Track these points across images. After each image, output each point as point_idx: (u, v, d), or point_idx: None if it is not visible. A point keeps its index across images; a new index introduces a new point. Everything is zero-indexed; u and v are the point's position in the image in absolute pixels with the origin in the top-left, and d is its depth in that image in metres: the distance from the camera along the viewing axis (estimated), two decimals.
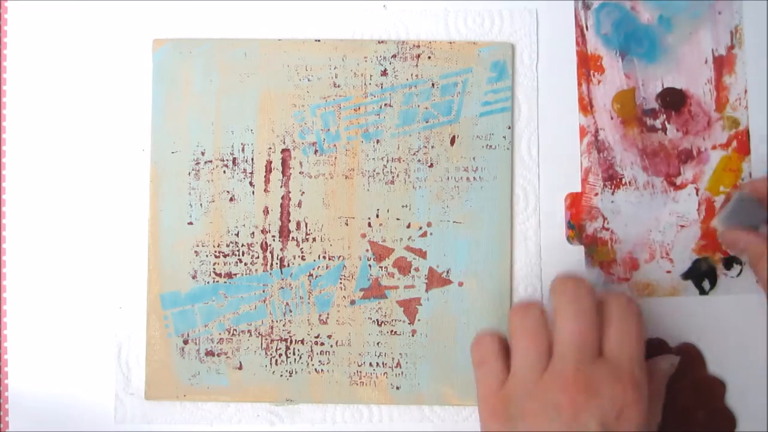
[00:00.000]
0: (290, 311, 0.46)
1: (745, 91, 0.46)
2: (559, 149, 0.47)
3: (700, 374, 0.46)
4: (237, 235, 0.46)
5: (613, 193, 0.47)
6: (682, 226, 0.46)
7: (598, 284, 0.46)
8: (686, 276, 0.46)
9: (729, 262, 0.46)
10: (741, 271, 0.46)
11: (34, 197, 0.47)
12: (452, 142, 0.46)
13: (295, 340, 0.46)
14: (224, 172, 0.46)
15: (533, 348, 0.40)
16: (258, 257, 0.46)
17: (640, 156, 0.46)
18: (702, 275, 0.46)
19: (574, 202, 0.47)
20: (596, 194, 0.47)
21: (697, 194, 0.46)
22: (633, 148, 0.46)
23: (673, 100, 0.46)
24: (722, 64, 0.46)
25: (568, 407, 0.38)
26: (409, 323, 0.46)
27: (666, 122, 0.46)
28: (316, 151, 0.46)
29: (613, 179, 0.47)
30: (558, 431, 0.38)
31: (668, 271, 0.46)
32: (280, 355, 0.46)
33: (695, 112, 0.46)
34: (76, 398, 0.47)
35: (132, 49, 0.47)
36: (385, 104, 0.46)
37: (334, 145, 0.46)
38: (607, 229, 0.47)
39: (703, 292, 0.46)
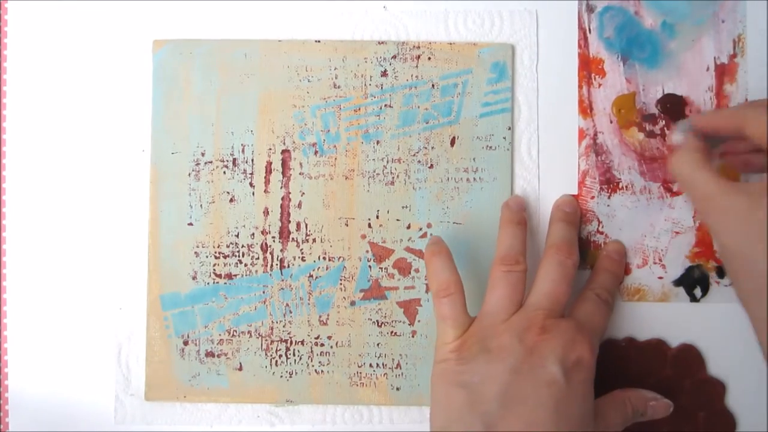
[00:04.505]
0: (290, 312, 0.46)
1: (746, 101, 0.46)
2: (557, 151, 0.47)
3: (699, 375, 0.46)
4: (237, 236, 0.46)
5: (609, 197, 0.47)
6: (677, 233, 0.46)
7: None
8: (678, 283, 0.46)
9: (722, 270, 0.46)
10: None
11: (34, 197, 0.47)
12: (452, 143, 0.46)
13: (295, 341, 0.46)
14: (224, 172, 0.46)
15: (508, 297, 0.42)
16: (258, 258, 0.46)
17: (637, 161, 0.46)
18: (694, 282, 0.46)
19: None
20: (592, 197, 0.47)
21: None
22: (631, 152, 0.46)
23: (673, 107, 0.46)
24: (724, 72, 0.46)
25: (531, 341, 0.40)
26: (409, 324, 0.46)
27: (665, 128, 0.46)
28: (316, 152, 0.46)
29: (610, 183, 0.47)
30: (517, 363, 0.40)
31: (660, 277, 0.46)
32: (280, 356, 0.46)
33: None
34: (76, 399, 0.47)
35: (132, 50, 0.47)
36: (385, 105, 0.46)
37: (334, 146, 0.46)
38: (602, 233, 0.47)
39: (694, 299, 0.46)
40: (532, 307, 0.42)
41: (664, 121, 0.46)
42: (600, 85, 0.47)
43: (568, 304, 0.43)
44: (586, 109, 0.47)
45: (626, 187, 0.47)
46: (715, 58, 0.46)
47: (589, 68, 0.47)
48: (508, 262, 0.43)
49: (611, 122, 0.47)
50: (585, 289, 0.45)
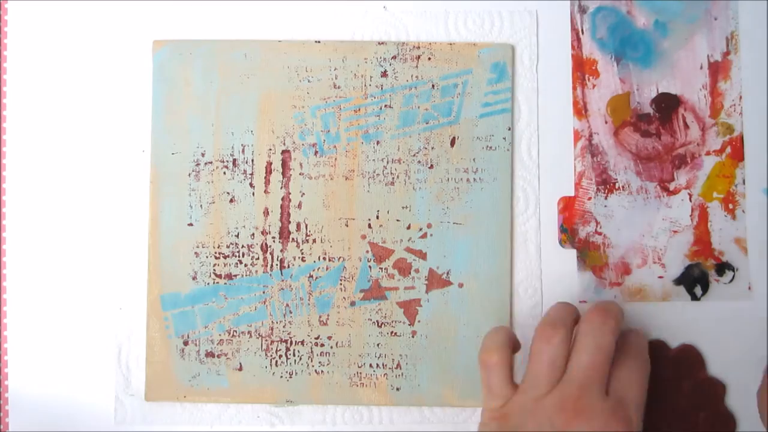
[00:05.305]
0: (290, 312, 0.46)
1: (740, 98, 0.46)
2: (555, 152, 0.47)
3: (700, 376, 0.46)
4: (237, 236, 0.46)
5: (606, 198, 0.47)
6: (675, 232, 0.46)
7: (589, 289, 0.46)
8: (678, 281, 0.46)
9: (721, 268, 0.46)
10: (733, 277, 0.46)
11: (34, 198, 0.47)
12: (452, 143, 0.46)
13: (295, 342, 0.46)
14: (224, 173, 0.46)
15: (546, 375, 0.41)
16: (258, 258, 0.46)
17: (633, 161, 0.46)
18: (694, 281, 0.46)
19: (567, 205, 0.47)
20: (589, 198, 0.47)
21: (690, 200, 0.46)
22: (627, 152, 0.47)
23: (668, 106, 0.46)
24: (717, 69, 0.46)
25: (563, 426, 0.39)
26: (409, 324, 0.46)
27: (660, 127, 0.46)
28: (316, 153, 0.46)
29: (606, 183, 0.47)
30: None
31: (660, 277, 0.46)
32: (280, 356, 0.46)
33: (689, 118, 0.46)
34: (76, 399, 0.47)
35: (132, 50, 0.47)
36: (385, 105, 0.46)
37: (334, 147, 0.46)
38: (600, 234, 0.47)
39: (694, 297, 0.46)
40: (567, 385, 0.40)
41: (659, 121, 0.46)
42: (594, 85, 0.47)
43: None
44: (580, 110, 0.47)
45: (623, 187, 0.47)
46: (708, 55, 0.46)
47: (582, 69, 0.47)
48: (548, 333, 0.41)
49: (606, 123, 0.47)
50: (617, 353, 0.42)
